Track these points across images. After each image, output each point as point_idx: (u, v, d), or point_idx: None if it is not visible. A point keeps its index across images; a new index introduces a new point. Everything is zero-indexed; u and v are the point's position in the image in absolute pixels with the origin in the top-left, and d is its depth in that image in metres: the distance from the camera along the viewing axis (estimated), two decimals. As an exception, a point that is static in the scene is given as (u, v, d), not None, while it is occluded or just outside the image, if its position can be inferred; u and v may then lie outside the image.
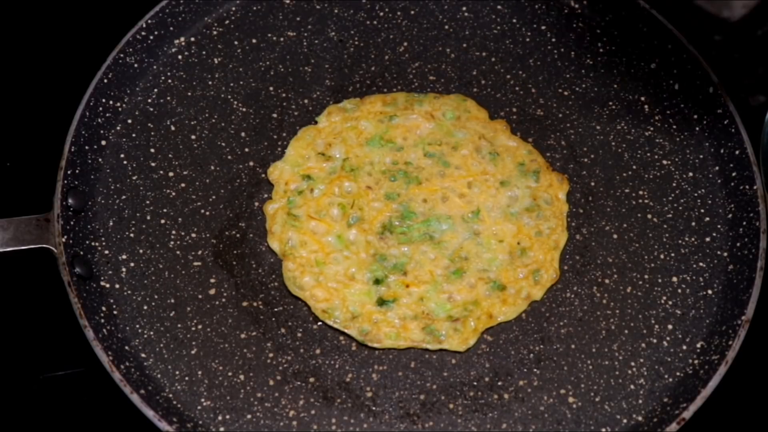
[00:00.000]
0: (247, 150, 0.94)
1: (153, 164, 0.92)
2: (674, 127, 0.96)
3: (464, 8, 1.02)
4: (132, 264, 0.87)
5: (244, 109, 0.96)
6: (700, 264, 0.89)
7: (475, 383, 0.83)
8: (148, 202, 0.90)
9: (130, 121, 0.94)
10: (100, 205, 0.90)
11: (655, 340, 0.85)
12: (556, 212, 0.91)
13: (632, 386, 0.83)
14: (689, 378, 0.83)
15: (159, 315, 0.85)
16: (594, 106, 0.97)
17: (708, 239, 0.90)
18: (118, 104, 0.95)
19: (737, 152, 0.92)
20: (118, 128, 0.94)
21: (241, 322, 0.85)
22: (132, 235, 0.89)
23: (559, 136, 0.95)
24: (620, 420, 0.82)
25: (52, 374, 0.89)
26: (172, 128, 0.94)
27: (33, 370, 0.89)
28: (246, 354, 0.84)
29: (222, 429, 0.80)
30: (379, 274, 0.87)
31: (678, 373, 0.84)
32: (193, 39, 0.99)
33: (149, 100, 0.96)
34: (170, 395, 0.81)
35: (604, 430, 0.81)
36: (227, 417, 0.81)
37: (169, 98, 0.96)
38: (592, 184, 0.93)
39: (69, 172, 0.88)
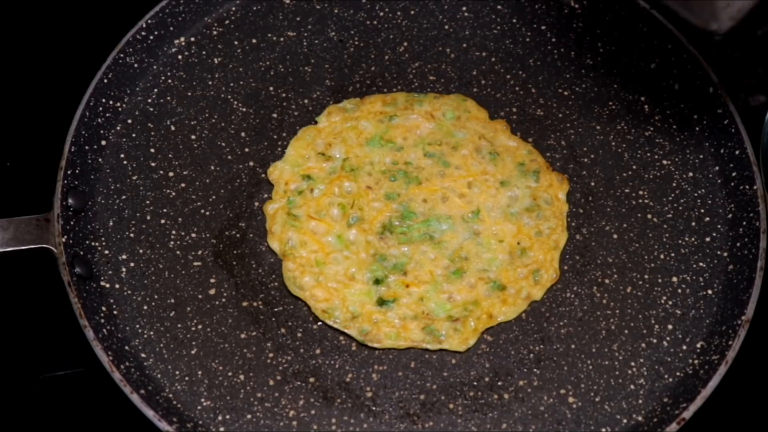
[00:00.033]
0: (247, 150, 0.93)
1: (153, 164, 0.92)
2: (674, 127, 0.96)
3: (464, 8, 1.02)
4: (132, 264, 0.87)
5: (244, 109, 0.96)
6: (700, 264, 0.89)
7: (475, 383, 0.83)
8: (148, 202, 0.90)
9: (130, 121, 0.94)
10: (100, 205, 0.90)
11: (655, 340, 0.85)
12: (556, 212, 0.91)
13: (632, 386, 0.83)
14: (689, 378, 0.83)
15: (159, 315, 0.85)
16: (594, 106, 0.97)
17: (708, 239, 0.90)
18: (118, 104, 0.95)
19: (737, 152, 0.92)
20: (118, 128, 0.94)
21: (241, 322, 0.85)
22: (132, 235, 0.89)
23: (559, 136, 0.95)
24: (620, 420, 0.82)
25: (52, 374, 0.89)
26: (172, 128, 0.94)
27: (33, 370, 0.89)
28: (246, 354, 0.84)
29: (222, 429, 0.80)
30: (379, 274, 0.87)
31: (678, 373, 0.84)
32: (193, 39, 0.99)
33: (149, 100, 0.96)
34: (170, 395, 0.81)
35: (604, 430, 0.81)
36: (227, 417, 0.81)
37: (169, 98, 0.96)
38: (592, 184, 0.93)
39: (69, 172, 0.88)
